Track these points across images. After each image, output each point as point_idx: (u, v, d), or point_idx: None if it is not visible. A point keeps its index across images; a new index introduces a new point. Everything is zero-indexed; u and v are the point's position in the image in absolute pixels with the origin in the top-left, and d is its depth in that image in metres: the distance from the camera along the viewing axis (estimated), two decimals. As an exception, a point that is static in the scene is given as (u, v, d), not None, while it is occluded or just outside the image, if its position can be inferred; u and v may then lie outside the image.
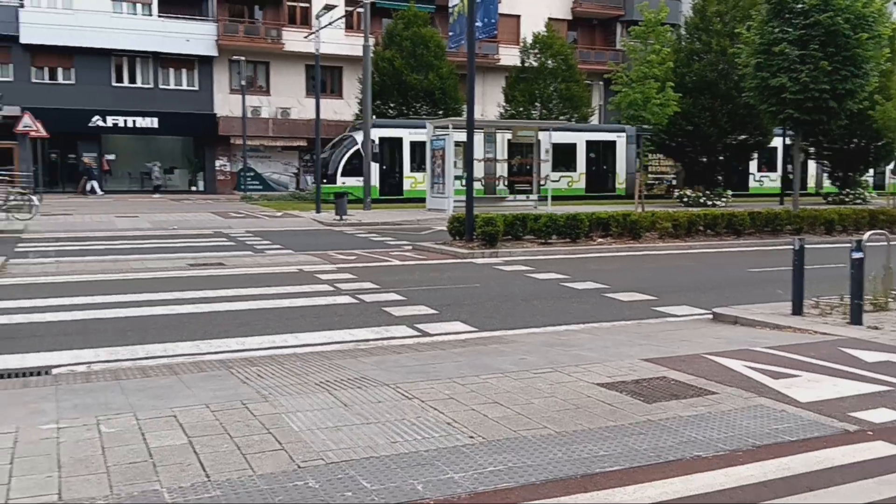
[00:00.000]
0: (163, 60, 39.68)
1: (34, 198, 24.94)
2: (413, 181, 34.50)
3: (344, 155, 33.64)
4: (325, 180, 34.75)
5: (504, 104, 40.83)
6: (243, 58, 38.66)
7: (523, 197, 30.31)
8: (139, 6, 38.78)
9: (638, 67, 27.29)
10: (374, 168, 32.34)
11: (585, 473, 4.37)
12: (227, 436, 4.94)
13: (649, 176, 39.09)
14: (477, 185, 26.60)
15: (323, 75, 36.04)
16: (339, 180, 33.42)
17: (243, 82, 38.64)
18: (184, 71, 40.42)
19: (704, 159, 35.16)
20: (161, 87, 39.91)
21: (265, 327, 8.87)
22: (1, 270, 13.22)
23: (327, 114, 36.39)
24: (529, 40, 40.45)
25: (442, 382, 6.24)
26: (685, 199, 33.97)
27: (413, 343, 8.25)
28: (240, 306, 10.19)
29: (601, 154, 38.52)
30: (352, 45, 38.42)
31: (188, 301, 10.49)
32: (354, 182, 32.67)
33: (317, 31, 30.39)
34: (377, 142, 32.08)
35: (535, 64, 39.56)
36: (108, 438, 4.87)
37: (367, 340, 8.39)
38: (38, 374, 6.84)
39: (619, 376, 6.47)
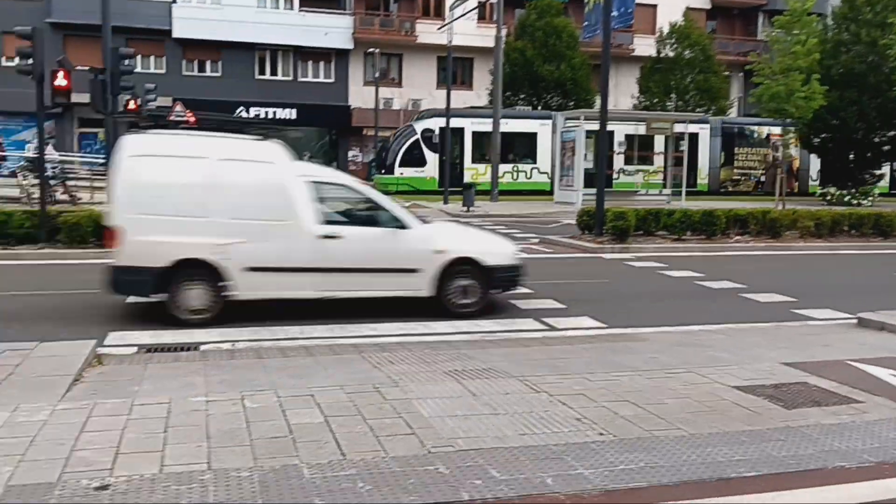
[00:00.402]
0: (302, 54, 41.04)
1: None
2: (474, 173, 33.20)
3: (403, 145, 33.04)
4: (382, 171, 34.05)
5: (638, 95, 39.94)
6: (377, 50, 39.48)
7: (656, 191, 29.52)
8: (281, 1, 40.29)
9: (781, 59, 26.01)
10: (433, 158, 31.77)
11: (721, 477, 4.27)
12: (361, 417, 5.12)
13: (735, 171, 37.03)
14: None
15: (454, 67, 36.26)
16: (397, 171, 32.60)
17: (377, 74, 39.46)
18: (321, 64, 41.68)
19: (851, 155, 33.27)
20: (300, 79, 41.35)
21: (395, 314, 9.05)
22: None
23: (457, 105, 36.63)
24: (666, 30, 39.46)
25: (571, 378, 6.21)
26: (828, 198, 32.34)
27: (540, 337, 8.25)
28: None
29: None
30: (483, 36, 38.52)
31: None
32: (413, 173, 31.93)
33: (450, 22, 30.66)
34: (437, 131, 31.29)
35: (671, 54, 38.53)
36: (252, 413, 5.15)
37: (494, 332, 8.46)
38: (188, 349, 7.29)
39: (757, 380, 6.25)
